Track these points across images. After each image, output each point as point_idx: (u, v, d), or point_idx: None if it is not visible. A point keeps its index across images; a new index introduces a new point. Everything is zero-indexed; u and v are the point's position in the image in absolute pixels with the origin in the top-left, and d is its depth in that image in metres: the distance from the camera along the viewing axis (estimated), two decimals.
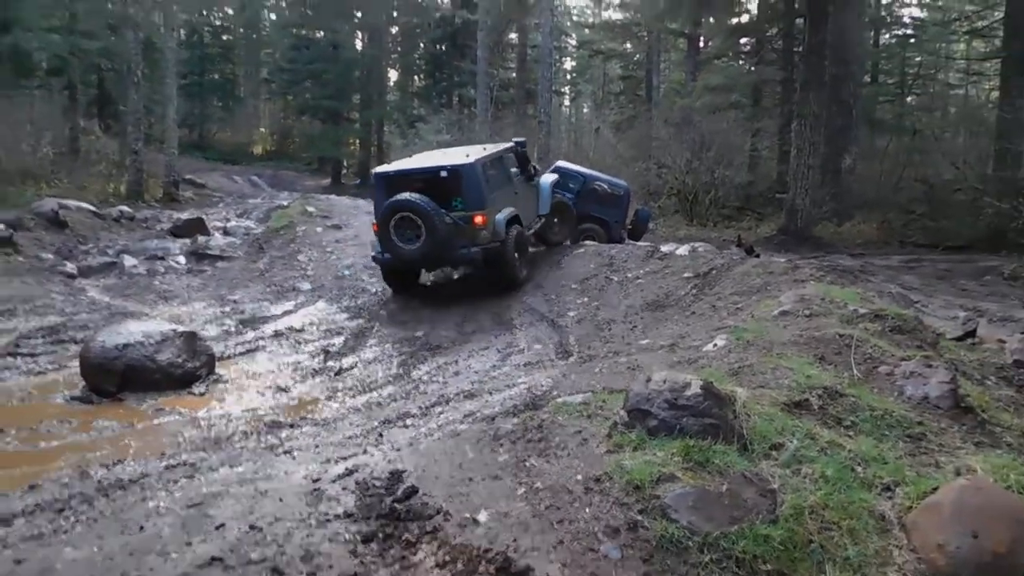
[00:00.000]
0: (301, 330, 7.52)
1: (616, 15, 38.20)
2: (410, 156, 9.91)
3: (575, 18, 44.78)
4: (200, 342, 5.95)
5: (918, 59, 31.12)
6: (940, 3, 29.49)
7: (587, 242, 10.27)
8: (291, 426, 4.65)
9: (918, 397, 3.76)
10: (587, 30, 41.28)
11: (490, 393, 4.71)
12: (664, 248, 9.04)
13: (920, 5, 30.17)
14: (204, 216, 13.90)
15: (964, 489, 2.61)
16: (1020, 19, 17.37)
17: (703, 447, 2.77)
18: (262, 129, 44.11)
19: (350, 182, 35.31)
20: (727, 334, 4.81)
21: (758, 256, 10.35)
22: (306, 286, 9.39)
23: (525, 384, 4.70)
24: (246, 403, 5.29)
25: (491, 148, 9.49)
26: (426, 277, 9.47)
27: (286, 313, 8.23)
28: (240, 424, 4.72)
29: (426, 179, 8.19)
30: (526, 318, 7.48)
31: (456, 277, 9.68)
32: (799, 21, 23.91)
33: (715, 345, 4.67)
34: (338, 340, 7.11)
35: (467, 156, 8.52)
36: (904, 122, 24.59)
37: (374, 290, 9.10)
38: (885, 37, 30.63)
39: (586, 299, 7.89)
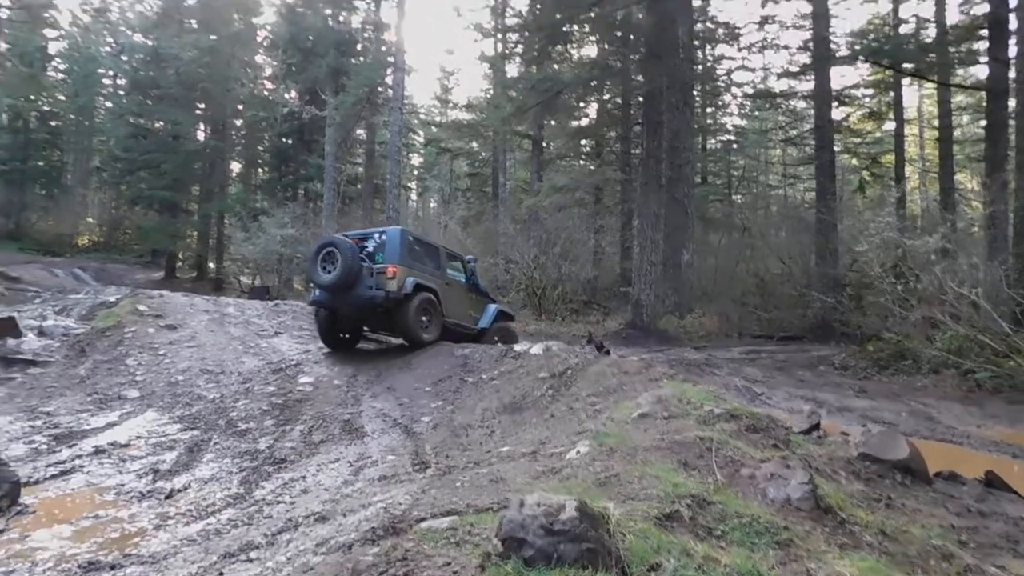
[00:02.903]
0: (127, 445, 6.74)
1: (463, 115, 39.69)
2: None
3: (422, 116, 46.09)
4: (1, 466, 5.16)
5: (741, 163, 34.70)
6: (757, 114, 33.17)
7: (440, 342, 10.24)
8: (112, 567, 4.06)
9: (780, 499, 3.86)
10: (434, 128, 42.53)
11: (344, 515, 4.36)
12: (517, 347, 9.08)
13: (740, 115, 33.76)
14: (15, 314, 12.45)
15: None
16: (825, 132, 19.74)
17: None
18: (89, 219, 41.27)
19: (185, 276, 33.52)
20: (589, 439, 4.80)
21: (608, 352, 10.66)
22: (134, 394, 8.52)
23: (382, 503, 4.40)
24: (56, 540, 4.58)
25: (439, 242, 12.01)
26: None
27: (109, 426, 7.37)
28: (47, 568, 4.05)
29: (367, 238, 10.24)
30: (378, 425, 7.16)
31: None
32: (636, 127, 26.00)
33: (578, 452, 4.63)
34: (169, 456, 6.42)
35: (403, 227, 11.08)
36: (733, 219, 26.88)
37: (211, 397, 8.41)
38: (711, 142, 33.93)
39: (441, 402, 7.72)
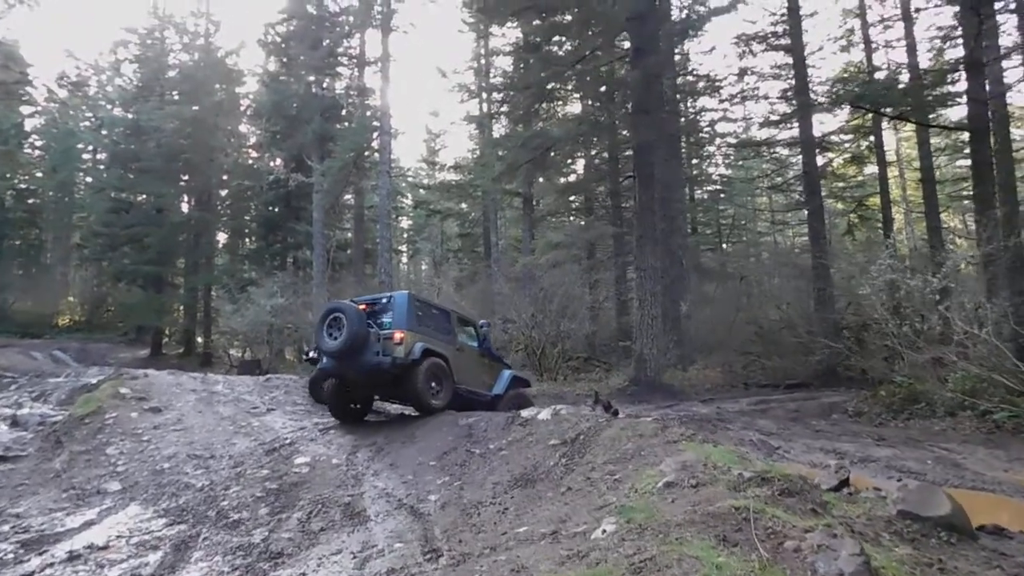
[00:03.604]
0: (105, 547, 6.13)
1: (451, 176, 39.79)
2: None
3: (410, 179, 46.26)
4: None
5: (730, 212, 34.76)
6: (742, 163, 33.44)
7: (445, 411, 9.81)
8: None
9: (833, 575, 3.45)
10: (422, 191, 42.60)
11: None
12: (525, 413, 8.61)
13: (726, 165, 34.01)
14: None
15: None
16: (813, 177, 19.73)
17: None
18: (71, 298, 40.53)
19: (172, 352, 32.86)
20: (615, 516, 4.34)
21: (616, 412, 10.21)
22: (115, 487, 7.92)
23: None
24: None
25: (449, 305, 11.75)
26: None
27: (87, 525, 6.76)
28: None
29: (375, 303, 10.13)
30: (382, 506, 6.62)
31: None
32: (624, 180, 26.00)
33: (604, 531, 4.17)
34: (153, 557, 5.84)
35: (411, 291, 10.79)
36: (727, 269, 26.66)
37: (200, 485, 7.82)
38: (698, 193, 34.07)
39: (447, 478, 7.19)
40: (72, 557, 5.88)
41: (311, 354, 13.67)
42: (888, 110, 19.27)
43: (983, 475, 7.45)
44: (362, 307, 9.80)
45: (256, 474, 8.09)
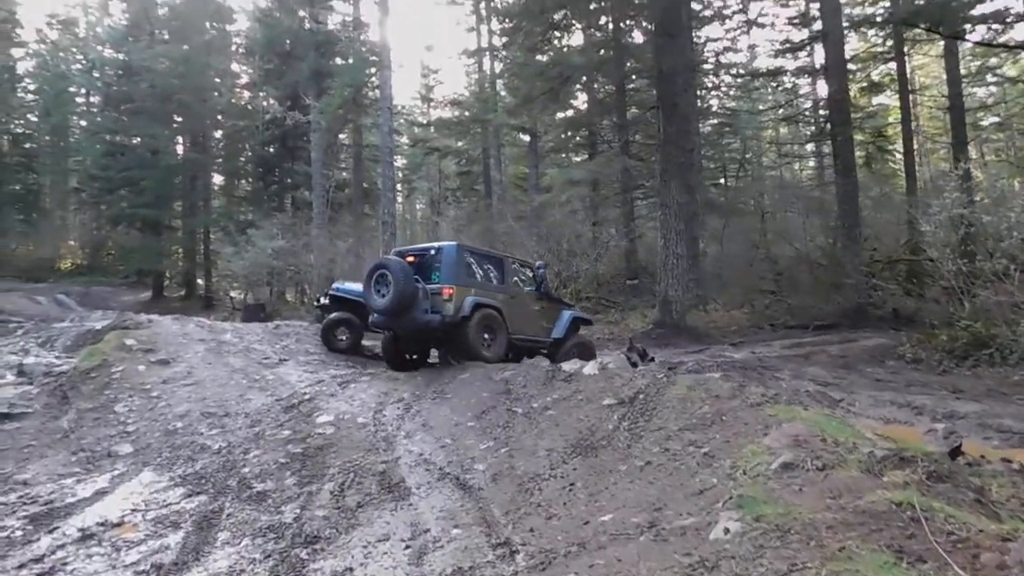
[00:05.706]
0: (120, 524, 5.49)
1: (448, 113, 38.49)
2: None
3: (406, 116, 45.04)
4: None
5: (735, 145, 33.59)
6: (746, 95, 32.17)
7: (468, 362, 9.29)
8: None
9: None
10: (417, 128, 41.34)
11: None
12: (566, 367, 7.91)
13: (733, 96, 32.77)
14: None
15: None
16: (843, 105, 18.69)
17: None
18: (71, 242, 40.35)
19: (173, 294, 32.34)
20: (734, 510, 3.62)
21: (653, 360, 9.57)
22: (126, 449, 7.27)
23: None
24: None
25: (501, 253, 11.31)
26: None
27: (99, 495, 6.10)
28: None
29: (421, 254, 9.88)
30: (423, 476, 5.96)
31: None
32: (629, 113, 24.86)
33: (727, 531, 3.43)
34: (174, 539, 5.18)
35: (459, 242, 10.48)
36: (736, 204, 25.68)
37: (216, 447, 7.17)
38: (703, 126, 32.84)
39: (492, 442, 6.52)
40: (85, 536, 5.24)
41: (322, 300, 13.01)
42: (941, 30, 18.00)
43: None
44: (408, 259, 9.60)
45: (276, 435, 7.43)
